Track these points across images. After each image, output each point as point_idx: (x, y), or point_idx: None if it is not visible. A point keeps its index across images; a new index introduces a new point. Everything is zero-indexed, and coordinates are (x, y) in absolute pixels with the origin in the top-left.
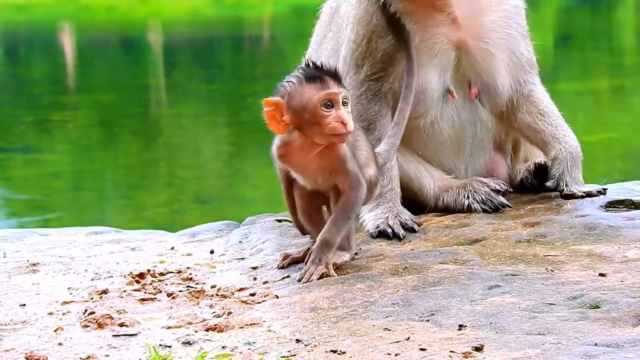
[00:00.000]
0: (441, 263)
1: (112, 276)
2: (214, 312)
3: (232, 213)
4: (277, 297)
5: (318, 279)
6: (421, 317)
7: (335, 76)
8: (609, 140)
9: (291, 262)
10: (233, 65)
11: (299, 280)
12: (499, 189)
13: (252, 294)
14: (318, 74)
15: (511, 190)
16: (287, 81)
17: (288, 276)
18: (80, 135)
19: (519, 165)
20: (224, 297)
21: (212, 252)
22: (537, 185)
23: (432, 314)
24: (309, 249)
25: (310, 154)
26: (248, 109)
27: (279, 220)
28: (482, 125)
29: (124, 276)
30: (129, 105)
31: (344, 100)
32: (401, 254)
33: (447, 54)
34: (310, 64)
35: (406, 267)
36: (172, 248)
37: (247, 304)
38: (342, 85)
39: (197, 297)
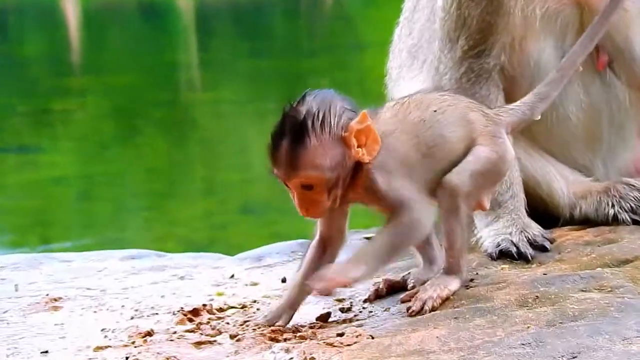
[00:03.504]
0: (582, 291)
1: (157, 313)
2: (292, 359)
3: (290, 228)
4: (373, 338)
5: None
6: None
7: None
8: None
9: (388, 288)
10: (287, 35)
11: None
12: None
13: (340, 334)
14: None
15: None
16: None
17: (387, 309)
18: (90, 129)
19: None
20: (304, 338)
21: (284, 280)
22: None
23: (574, 357)
24: (409, 272)
25: None
26: None
27: (369, 239)
28: (619, 105)
29: (173, 313)
30: (152, 89)
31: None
32: (530, 280)
33: (565, 14)
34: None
35: (537, 297)
36: (232, 276)
37: (334, 346)
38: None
39: (269, 340)
